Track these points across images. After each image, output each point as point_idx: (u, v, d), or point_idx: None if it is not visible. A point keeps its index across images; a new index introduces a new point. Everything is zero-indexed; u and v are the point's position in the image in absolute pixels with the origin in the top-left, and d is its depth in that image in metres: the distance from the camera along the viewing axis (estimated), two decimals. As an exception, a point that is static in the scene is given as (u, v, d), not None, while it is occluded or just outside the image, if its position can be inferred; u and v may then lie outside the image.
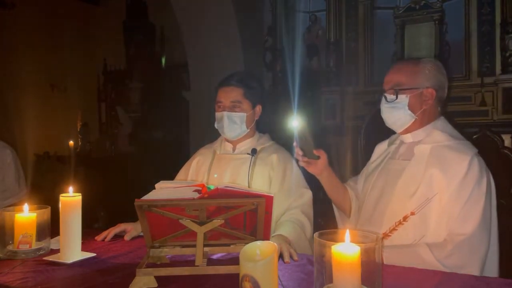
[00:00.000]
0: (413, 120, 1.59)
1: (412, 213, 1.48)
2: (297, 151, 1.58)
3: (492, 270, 1.48)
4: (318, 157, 1.58)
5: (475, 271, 1.39)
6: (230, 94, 1.87)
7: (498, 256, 1.50)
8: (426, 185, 1.48)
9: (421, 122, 1.61)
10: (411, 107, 1.58)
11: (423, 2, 5.17)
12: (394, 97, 1.58)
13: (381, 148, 1.81)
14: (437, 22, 5.14)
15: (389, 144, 1.77)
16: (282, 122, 1.54)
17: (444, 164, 1.49)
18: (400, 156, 1.66)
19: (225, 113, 1.86)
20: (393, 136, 1.77)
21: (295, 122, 1.50)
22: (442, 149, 1.53)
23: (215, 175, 1.88)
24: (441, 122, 1.63)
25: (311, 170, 1.63)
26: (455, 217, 1.43)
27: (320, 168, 1.61)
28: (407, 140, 1.66)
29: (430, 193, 1.47)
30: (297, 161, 1.64)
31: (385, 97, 1.62)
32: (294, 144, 1.56)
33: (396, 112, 1.60)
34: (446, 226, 1.44)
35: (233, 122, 1.87)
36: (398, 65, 1.67)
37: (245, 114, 1.88)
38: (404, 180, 1.55)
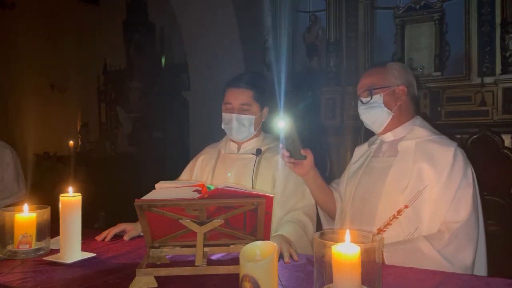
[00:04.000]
0: (391, 116, 1.64)
1: (406, 207, 1.51)
2: (283, 152, 1.60)
3: (481, 268, 1.50)
4: (305, 157, 1.60)
5: (470, 257, 1.43)
6: (239, 96, 1.85)
7: (486, 255, 1.54)
8: (416, 178, 1.53)
9: (399, 119, 1.66)
10: (386, 105, 1.63)
11: (423, 2, 5.18)
12: (369, 98, 1.64)
13: (361, 150, 1.85)
14: (437, 22, 5.15)
15: (369, 145, 1.81)
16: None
17: (431, 157, 1.54)
18: (384, 153, 1.70)
19: (234, 115, 1.85)
20: (372, 138, 1.82)
21: (281, 123, 1.50)
22: (426, 143, 1.59)
23: (229, 174, 1.88)
24: (419, 119, 1.69)
25: (297, 171, 1.65)
26: (447, 206, 1.47)
27: (306, 168, 1.63)
28: (388, 139, 1.70)
29: (420, 186, 1.51)
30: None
31: (361, 100, 1.67)
32: (281, 145, 1.57)
33: (373, 111, 1.65)
34: (440, 216, 1.48)
35: (242, 125, 1.86)
36: (367, 71, 1.75)
37: (254, 116, 1.87)
38: (393, 175, 1.58)
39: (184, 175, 2.05)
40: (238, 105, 1.85)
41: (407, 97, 1.65)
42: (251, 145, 1.93)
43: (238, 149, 1.95)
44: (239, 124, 1.85)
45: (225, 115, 1.88)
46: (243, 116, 1.85)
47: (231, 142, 1.98)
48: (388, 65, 1.70)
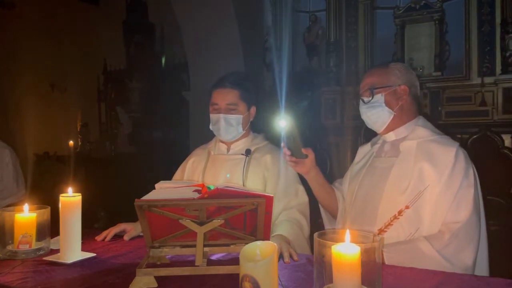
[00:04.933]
0: (392, 116, 1.63)
1: (407, 207, 1.51)
2: (285, 151, 1.60)
3: (482, 268, 1.50)
4: (306, 156, 1.60)
5: (470, 257, 1.43)
6: (226, 96, 1.87)
7: (487, 256, 1.54)
8: (417, 178, 1.52)
9: (401, 119, 1.65)
10: (388, 104, 1.63)
11: (423, 2, 5.18)
12: (370, 97, 1.64)
13: (364, 150, 1.84)
14: (437, 22, 5.15)
15: (372, 145, 1.80)
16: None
17: (432, 157, 1.53)
18: (386, 153, 1.69)
19: (221, 115, 1.86)
20: (375, 138, 1.82)
21: (283, 122, 1.51)
22: (428, 143, 1.58)
23: (228, 175, 1.88)
24: (422, 120, 1.69)
25: (298, 169, 1.66)
26: (448, 206, 1.47)
27: (307, 167, 1.64)
28: (390, 139, 1.69)
29: (421, 186, 1.51)
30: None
31: (362, 100, 1.67)
32: (282, 144, 1.58)
33: (374, 111, 1.64)
34: (440, 216, 1.47)
35: (230, 125, 1.87)
36: (369, 71, 1.75)
37: (241, 116, 1.88)
38: (394, 176, 1.58)
39: (175, 177, 2.05)
40: (224, 105, 1.86)
41: (408, 97, 1.64)
42: (240, 146, 1.94)
43: (228, 149, 1.96)
44: (226, 124, 1.86)
45: (212, 116, 1.89)
46: (230, 116, 1.86)
47: (220, 143, 1.98)
48: (390, 65, 1.69)
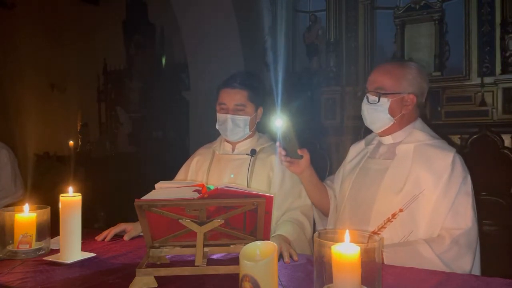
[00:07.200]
0: (392, 123, 1.62)
1: (401, 210, 1.50)
2: (280, 151, 1.59)
3: (475, 269, 1.50)
4: (301, 156, 1.60)
5: (469, 264, 1.43)
6: (234, 97, 1.85)
7: (479, 260, 1.53)
8: (413, 182, 1.51)
9: (400, 124, 1.63)
10: (391, 111, 1.60)
11: (423, 2, 5.18)
12: (376, 99, 1.60)
13: (357, 148, 1.82)
14: (437, 22, 5.15)
15: (366, 144, 1.78)
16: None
17: (429, 162, 1.52)
18: (381, 155, 1.67)
19: (229, 116, 1.85)
20: (370, 136, 1.79)
21: (278, 122, 1.51)
22: (425, 147, 1.57)
23: (232, 175, 1.87)
24: (419, 122, 1.66)
25: (292, 169, 1.65)
26: (446, 212, 1.46)
27: (302, 167, 1.63)
28: (387, 142, 1.67)
29: (417, 190, 1.50)
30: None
31: (367, 98, 1.64)
32: (277, 144, 1.58)
33: (376, 114, 1.62)
34: (438, 221, 1.47)
35: (237, 126, 1.86)
36: (384, 66, 1.67)
37: (249, 117, 1.87)
38: (389, 178, 1.56)
39: (179, 177, 2.04)
40: (233, 106, 1.85)
41: (413, 106, 1.61)
42: (245, 146, 1.93)
43: (233, 149, 1.95)
44: (234, 124, 1.85)
45: (219, 116, 1.88)
46: (238, 116, 1.85)
47: (226, 143, 1.98)
48: (406, 67, 1.63)
